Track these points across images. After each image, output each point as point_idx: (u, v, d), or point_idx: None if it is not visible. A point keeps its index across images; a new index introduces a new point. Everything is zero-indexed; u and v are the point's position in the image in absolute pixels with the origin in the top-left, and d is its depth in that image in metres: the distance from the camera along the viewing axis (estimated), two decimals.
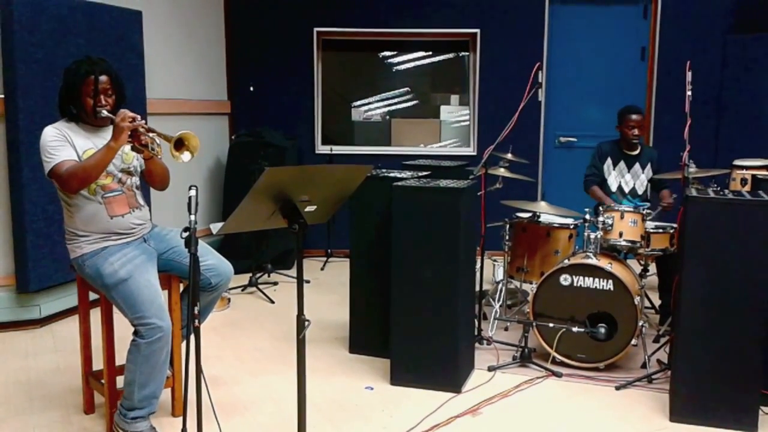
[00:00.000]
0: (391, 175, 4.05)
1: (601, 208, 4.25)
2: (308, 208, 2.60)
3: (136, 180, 3.11)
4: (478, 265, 4.26)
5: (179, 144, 2.82)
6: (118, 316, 3.05)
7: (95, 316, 3.17)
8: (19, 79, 4.24)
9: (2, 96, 4.28)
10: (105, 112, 2.94)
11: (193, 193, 2.46)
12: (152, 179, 3.12)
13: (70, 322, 4.54)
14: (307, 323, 2.60)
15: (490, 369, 3.86)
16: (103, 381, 3.12)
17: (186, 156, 2.84)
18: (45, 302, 4.52)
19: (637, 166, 4.96)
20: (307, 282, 5.71)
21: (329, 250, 6.45)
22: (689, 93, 3.81)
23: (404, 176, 4.00)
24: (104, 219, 2.98)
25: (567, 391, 3.65)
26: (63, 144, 2.89)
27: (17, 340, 4.30)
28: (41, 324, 4.53)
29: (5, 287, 4.43)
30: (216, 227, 5.61)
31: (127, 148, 2.96)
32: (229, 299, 5.11)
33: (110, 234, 2.99)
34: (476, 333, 4.19)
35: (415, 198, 3.58)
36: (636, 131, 4.85)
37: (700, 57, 6.11)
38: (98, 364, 3.20)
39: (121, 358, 3.08)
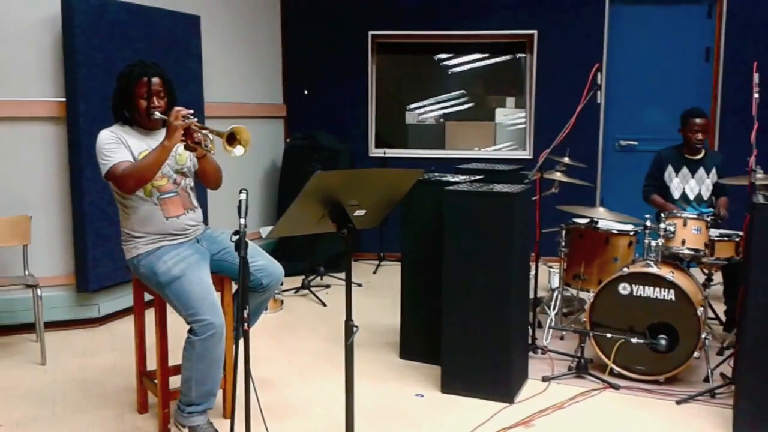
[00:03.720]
0: (444, 179, 4.00)
1: (663, 215, 4.10)
2: (357, 213, 2.57)
3: (190, 181, 3.14)
4: (533, 272, 4.17)
5: (231, 138, 2.83)
6: (172, 318, 3.08)
7: (151, 316, 3.21)
8: (79, 83, 4.35)
9: (64, 99, 4.41)
10: (158, 114, 2.97)
11: (243, 196, 2.46)
12: (206, 178, 3.14)
13: (128, 321, 4.62)
14: (355, 329, 2.58)
15: (545, 379, 3.76)
16: (156, 381, 3.16)
17: (239, 150, 2.84)
18: (104, 301, 4.62)
19: (701, 170, 4.79)
20: (359, 285, 5.69)
21: (381, 254, 6.43)
22: (756, 95, 3.64)
23: (456, 180, 3.94)
24: (160, 220, 3.02)
25: (625, 405, 3.52)
26: (118, 146, 2.94)
27: (76, 339, 4.40)
28: (100, 323, 4.64)
29: (66, 286, 4.55)
30: (266, 231, 5.65)
31: (181, 148, 2.99)
32: (282, 301, 5.13)
33: (165, 235, 3.03)
34: (530, 341, 4.09)
35: (467, 203, 3.51)
36: (699, 135, 4.69)
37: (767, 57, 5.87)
38: (153, 364, 3.24)
39: (174, 359, 3.11)
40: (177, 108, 2.87)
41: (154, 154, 2.87)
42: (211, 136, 2.93)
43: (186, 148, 2.97)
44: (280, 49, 6.72)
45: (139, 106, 2.99)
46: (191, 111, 2.87)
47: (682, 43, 6.33)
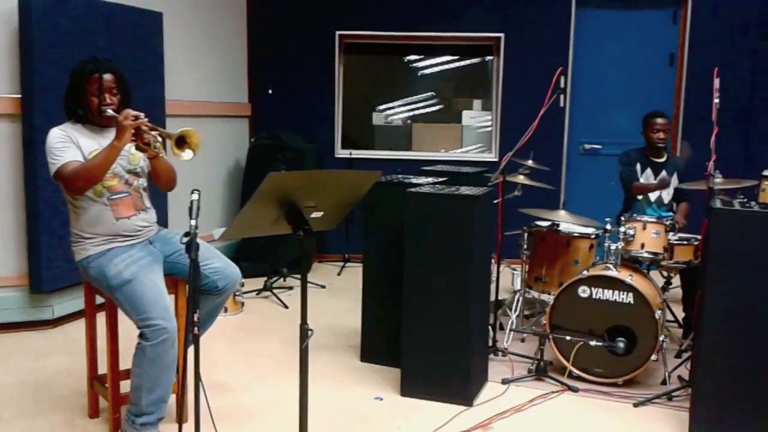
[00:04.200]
0: (407, 180, 3.97)
1: (622, 218, 4.12)
2: (314, 214, 2.53)
3: (143, 182, 3.07)
4: (495, 275, 4.16)
5: (181, 142, 2.77)
6: (123, 321, 3.00)
7: (103, 319, 3.13)
8: (36, 80, 4.25)
9: (19, 96, 4.30)
10: (110, 111, 2.90)
11: (195, 197, 2.40)
12: (158, 180, 3.07)
13: (82, 323, 4.45)
14: (310, 332, 2.54)
15: (504, 382, 3.76)
16: (107, 385, 3.08)
17: (187, 154, 2.78)
18: (58, 303, 4.51)
19: (663, 173, 4.83)
20: (323, 287, 5.65)
21: (346, 255, 6.39)
22: (716, 100, 3.68)
23: (419, 182, 3.92)
24: (110, 221, 2.94)
25: (583, 407, 3.53)
26: (68, 145, 2.87)
27: (29, 341, 4.29)
28: (54, 325, 4.52)
29: (18, 287, 4.42)
30: (219, 232, 5.55)
31: (134, 148, 2.92)
32: (242, 303, 5.06)
33: (115, 236, 2.96)
34: (491, 344, 4.09)
35: (428, 205, 3.49)
36: (662, 135, 4.74)
37: (731, 64, 5.95)
38: (104, 368, 3.16)
39: (126, 363, 3.04)
40: (127, 109, 2.81)
41: (103, 154, 2.80)
42: (160, 138, 2.87)
43: (137, 148, 2.91)
44: (246, 47, 6.65)
45: (90, 103, 2.92)
46: (141, 114, 2.80)
47: (646, 48, 6.38)
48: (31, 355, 4.06)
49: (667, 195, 4.84)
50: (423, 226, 3.49)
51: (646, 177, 4.84)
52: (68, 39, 4.40)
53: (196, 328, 2.36)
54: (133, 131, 2.78)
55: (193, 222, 2.37)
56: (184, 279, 3.11)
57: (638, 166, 4.84)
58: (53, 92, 4.25)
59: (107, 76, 2.92)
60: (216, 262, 3.08)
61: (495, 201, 3.98)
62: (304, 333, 2.53)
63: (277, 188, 2.38)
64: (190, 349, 2.47)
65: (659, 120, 4.74)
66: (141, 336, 2.85)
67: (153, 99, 5.03)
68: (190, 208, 2.38)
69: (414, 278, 3.53)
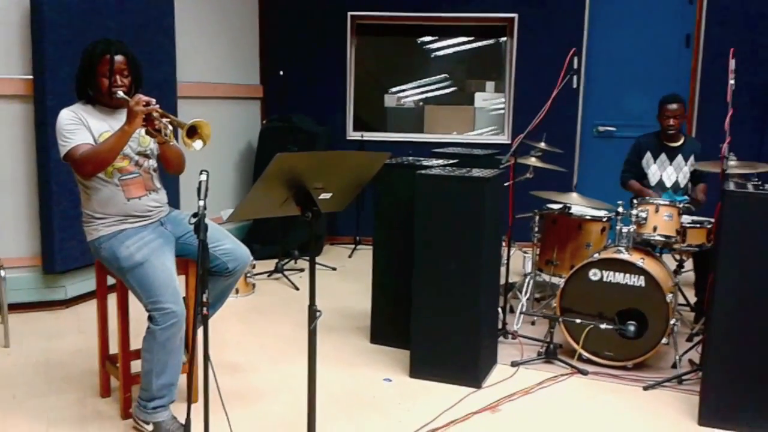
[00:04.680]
0: (417, 163, 3.95)
1: (635, 201, 4.08)
2: (323, 196, 2.53)
3: (153, 163, 3.07)
4: (505, 257, 4.14)
5: (192, 132, 2.76)
6: (134, 302, 3.02)
7: (114, 300, 3.15)
8: (47, 61, 4.25)
9: (31, 77, 4.31)
10: (121, 93, 2.90)
11: (203, 177, 2.40)
12: (167, 163, 3.08)
13: (95, 304, 4.53)
14: (318, 314, 2.54)
15: (514, 364, 3.75)
16: (118, 364, 3.11)
17: (198, 144, 2.77)
18: (71, 283, 4.55)
19: (679, 158, 4.78)
20: (334, 269, 5.66)
21: (358, 238, 6.39)
22: (732, 82, 3.63)
23: (430, 164, 3.90)
24: (121, 201, 2.95)
25: (592, 390, 3.52)
26: (79, 127, 2.87)
27: (42, 321, 4.33)
28: (67, 305, 4.56)
29: (32, 267, 4.46)
30: (227, 213, 5.56)
31: (143, 131, 2.92)
32: (254, 285, 5.08)
33: (127, 216, 2.96)
34: (501, 326, 4.08)
35: (438, 187, 3.47)
36: (672, 121, 4.67)
37: (748, 44, 5.86)
38: (116, 347, 3.19)
39: (136, 343, 3.06)
40: (138, 95, 2.80)
41: (113, 139, 2.81)
42: (170, 126, 2.86)
43: (147, 133, 2.91)
44: (257, 28, 6.61)
45: (101, 84, 2.92)
46: (152, 100, 2.80)
47: (662, 29, 6.29)
48: (44, 335, 4.10)
49: (683, 179, 4.78)
50: (433, 208, 3.48)
51: (660, 162, 4.79)
52: (80, 20, 4.39)
53: (204, 309, 2.36)
54: (143, 117, 2.77)
55: (201, 203, 2.37)
56: (195, 260, 3.12)
57: (648, 155, 4.79)
58: (65, 73, 4.26)
59: (118, 58, 2.91)
60: (226, 243, 3.09)
61: (506, 183, 3.96)
62: (313, 314, 2.53)
63: (285, 169, 2.38)
64: (200, 330, 2.48)
65: (670, 106, 4.67)
66: (150, 320, 2.86)
67: (164, 81, 5.03)
68: (199, 189, 2.37)
69: (423, 260, 3.52)
